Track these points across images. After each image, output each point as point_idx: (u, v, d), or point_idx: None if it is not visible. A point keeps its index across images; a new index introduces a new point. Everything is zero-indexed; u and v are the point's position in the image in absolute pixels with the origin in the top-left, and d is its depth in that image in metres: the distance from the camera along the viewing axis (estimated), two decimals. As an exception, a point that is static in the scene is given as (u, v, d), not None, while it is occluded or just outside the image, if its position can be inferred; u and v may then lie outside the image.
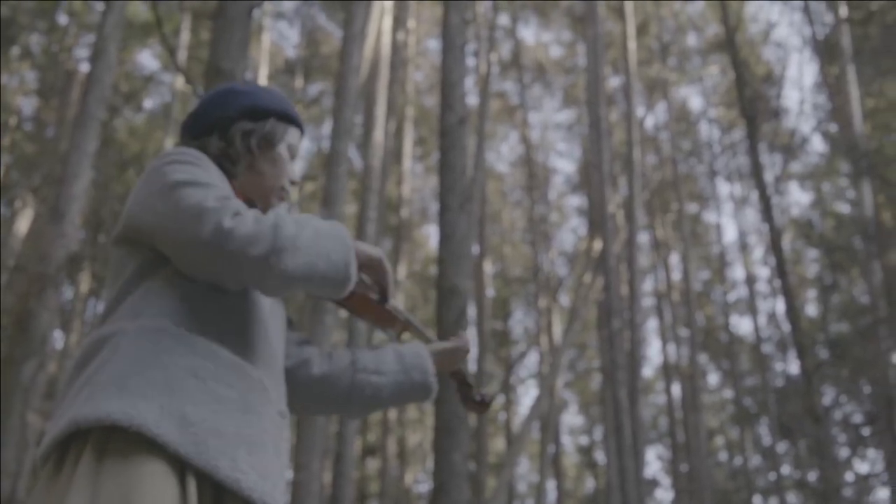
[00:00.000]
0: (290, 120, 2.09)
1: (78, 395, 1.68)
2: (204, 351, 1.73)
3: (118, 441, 1.60)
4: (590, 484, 33.37)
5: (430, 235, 30.40)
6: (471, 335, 10.46)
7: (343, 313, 15.69)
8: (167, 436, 1.60)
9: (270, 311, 1.96)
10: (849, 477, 15.80)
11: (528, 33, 52.73)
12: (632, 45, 20.58)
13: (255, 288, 1.77)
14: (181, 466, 1.63)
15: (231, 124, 2.02)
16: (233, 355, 1.77)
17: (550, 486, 27.34)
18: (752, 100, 15.64)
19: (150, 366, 1.68)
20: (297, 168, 2.12)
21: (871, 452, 15.71)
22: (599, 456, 30.29)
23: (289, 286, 1.75)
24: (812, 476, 18.63)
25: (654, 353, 52.12)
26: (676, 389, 27.12)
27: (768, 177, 18.66)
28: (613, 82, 26.96)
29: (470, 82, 23.44)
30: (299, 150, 2.13)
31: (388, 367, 2.12)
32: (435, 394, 2.14)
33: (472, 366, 22.16)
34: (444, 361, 2.20)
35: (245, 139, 2.02)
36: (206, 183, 1.80)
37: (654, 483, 29.59)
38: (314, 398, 2.11)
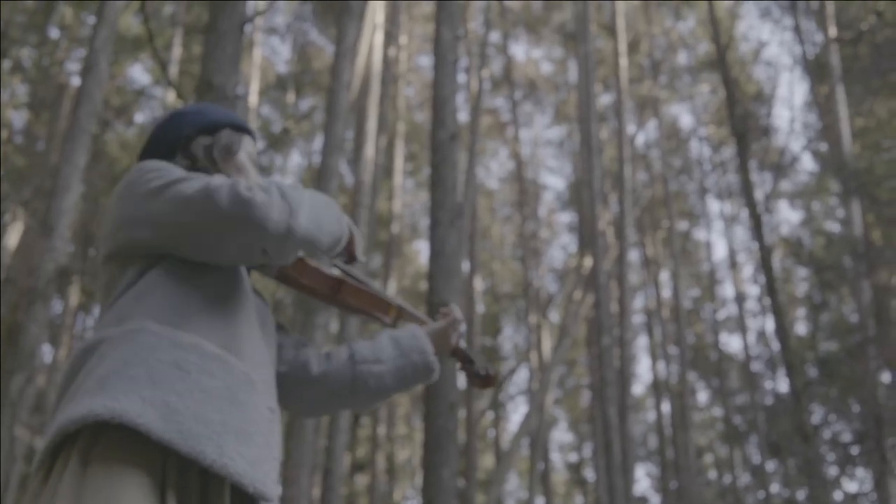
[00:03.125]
0: (243, 129, 2.16)
1: (67, 403, 1.70)
2: (188, 345, 1.74)
3: (103, 444, 1.61)
4: (579, 501, 33.34)
5: (421, 251, 30.41)
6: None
7: (337, 315, 15.62)
8: (150, 424, 1.61)
9: (258, 313, 1.98)
10: (838, 496, 15.77)
11: (520, 50, 52.78)
12: (623, 62, 20.65)
13: (274, 252, 1.81)
14: (163, 462, 1.65)
15: (190, 142, 2.09)
16: (218, 349, 1.77)
17: (539, 503, 27.29)
18: (743, 118, 15.70)
19: (132, 364, 1.69)
20: (257, 174, 2.16)
21: (860, 471, 15.68)
22: (589, 473, 30.27)
23: (305, 245, 1.82)
24: (801, 495, 18.59)
25: (643, 370, 52.18)
26: (666, 407, 27.11)
27: (758, 195, 18.72)
28: (604, 99, 27.06)
29: (461, 98, 23.50)
30: (257, 156, 2.19)
31: (387, 354, 2.15)
32: (438, 372, 2.18)
33: (461, 382, 22.11)
34: (440, 340, 2.23)
35: (207, 152, 2.08)
36: (188, 176, 1.85)
37: (643, 501, 29.52)
38: (319, 397, 2.13)
